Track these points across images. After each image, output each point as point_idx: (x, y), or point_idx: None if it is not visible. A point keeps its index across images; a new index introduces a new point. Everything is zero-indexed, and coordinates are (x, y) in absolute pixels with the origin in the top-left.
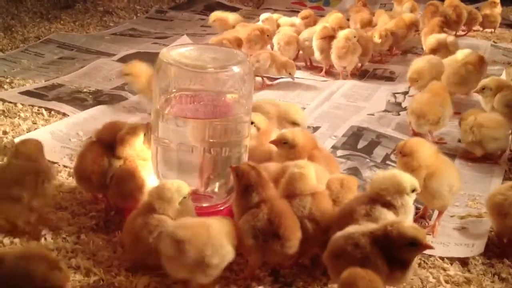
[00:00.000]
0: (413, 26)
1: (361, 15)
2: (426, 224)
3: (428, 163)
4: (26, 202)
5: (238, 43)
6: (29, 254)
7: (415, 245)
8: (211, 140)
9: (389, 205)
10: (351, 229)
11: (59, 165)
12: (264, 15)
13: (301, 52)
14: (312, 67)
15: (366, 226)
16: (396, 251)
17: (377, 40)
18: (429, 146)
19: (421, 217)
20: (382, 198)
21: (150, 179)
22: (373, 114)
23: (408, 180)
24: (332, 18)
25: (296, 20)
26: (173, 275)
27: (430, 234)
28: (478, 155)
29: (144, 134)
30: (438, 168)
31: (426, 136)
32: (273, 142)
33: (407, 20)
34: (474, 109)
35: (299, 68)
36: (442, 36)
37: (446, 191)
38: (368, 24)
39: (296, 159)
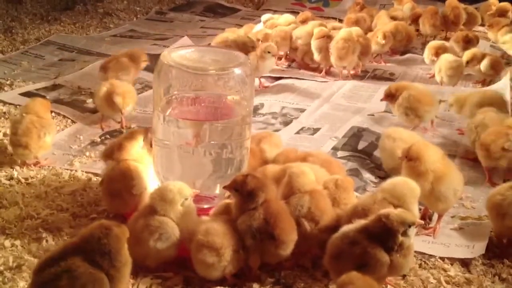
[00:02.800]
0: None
1: (350, 15)
2: (427, 224)
3: (435, 167)
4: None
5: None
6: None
7: (411, 226)
8: (212, 142)
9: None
10: (345, 228)
11: (60, 168)
12: (265, 16)
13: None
14: (307, 67)
15: (358, 223)
16: (396, 238)
17: (381, 40)
18: (436, 150)
19: (422, 217)
20: (396, 202)
21: (147, 181)
22: (373, 115)
23: (416, 185)
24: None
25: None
26: None
27: (430, 235)
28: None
29: (143, 139)
30: (445, 172)
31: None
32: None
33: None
34: (486, 107)
35: (299, 69)
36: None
37: (452, 195)
38: (355, 23)
39: None
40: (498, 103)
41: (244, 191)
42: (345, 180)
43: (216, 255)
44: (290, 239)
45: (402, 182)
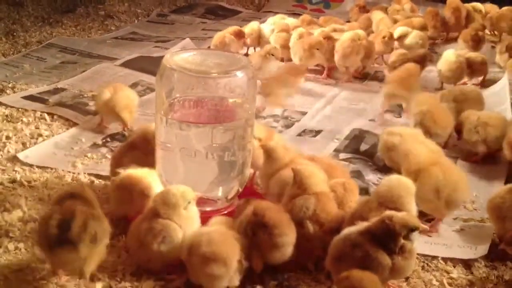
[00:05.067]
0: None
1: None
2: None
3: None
4: None
5: (239, 35)
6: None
7: (414, 230)
8: (214, 145)
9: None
10: (347, 231)
11: (63, 170)
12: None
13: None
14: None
15: (361, 225)
16: (397, 240)
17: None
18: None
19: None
20: (392, 204)
21: (155, 186)
22: (373, 120)
23: (410, 182)
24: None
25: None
26: None
27: (430, 236)
28: (480, 153)
29: None
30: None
31: None
32: None
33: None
34: (471, 109)
35: None
36: None
37: (460, 201)
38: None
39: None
40: (474, 99)
41: None
42: (351, 183)
43: (223, 265)
44: (282, 224)
45: (396, 183)
